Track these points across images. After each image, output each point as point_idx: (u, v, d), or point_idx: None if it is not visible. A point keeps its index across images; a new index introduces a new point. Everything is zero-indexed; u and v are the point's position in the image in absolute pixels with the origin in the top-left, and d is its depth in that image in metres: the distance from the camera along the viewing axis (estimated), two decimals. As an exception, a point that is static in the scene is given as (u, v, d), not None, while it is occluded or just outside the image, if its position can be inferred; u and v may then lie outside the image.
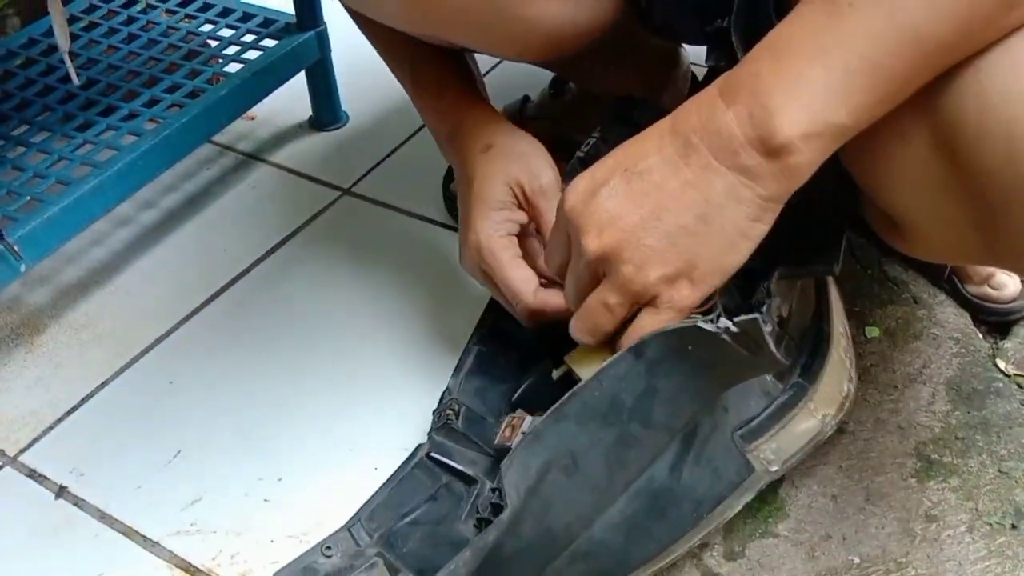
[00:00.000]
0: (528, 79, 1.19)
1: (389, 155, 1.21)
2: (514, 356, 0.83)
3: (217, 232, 1.12)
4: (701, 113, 0.59)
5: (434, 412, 0.80)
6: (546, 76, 1.15)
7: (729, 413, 0.73)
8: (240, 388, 0.94)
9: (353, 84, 1.27)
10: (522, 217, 0.81)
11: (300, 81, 1.22)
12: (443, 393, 0.81)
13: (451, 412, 0.78)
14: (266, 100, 1.16)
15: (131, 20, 1.23)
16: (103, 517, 0.84)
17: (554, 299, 0.75)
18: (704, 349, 0.63)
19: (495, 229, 0.79)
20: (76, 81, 1.03)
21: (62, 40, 0.97)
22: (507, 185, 0.80)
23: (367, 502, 0.75)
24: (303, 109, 1.28)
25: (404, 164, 1.20)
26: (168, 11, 1.25)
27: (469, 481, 0.76)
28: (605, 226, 0.61)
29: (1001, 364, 0.91)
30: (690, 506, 0.71)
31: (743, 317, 0.60)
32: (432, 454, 0.77)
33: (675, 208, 0.59)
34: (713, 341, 0.61)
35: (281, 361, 0.96)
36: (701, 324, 0.61)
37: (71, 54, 1.01)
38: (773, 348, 0.61)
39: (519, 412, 0.76)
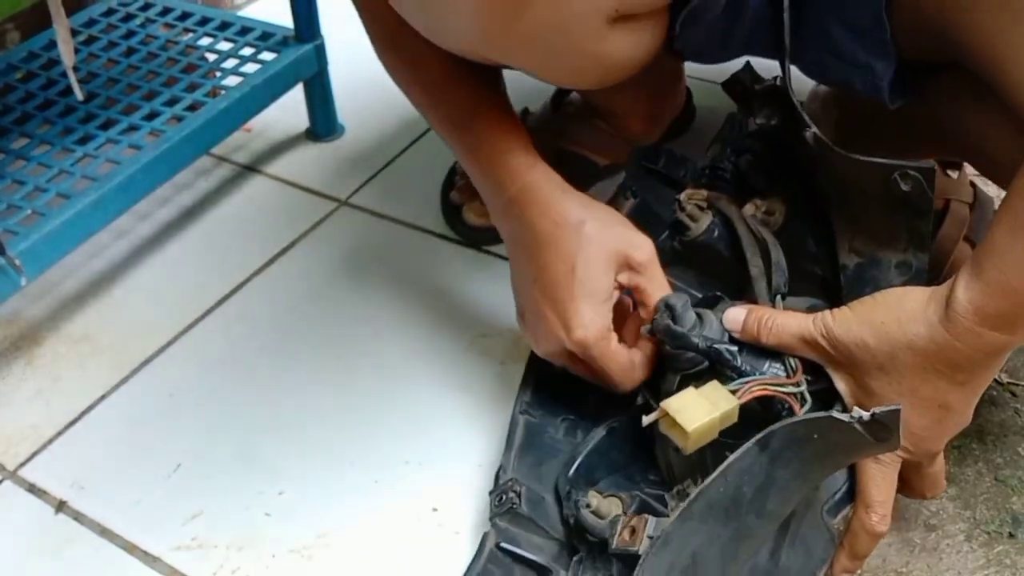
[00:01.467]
0: (528, 91, 1.19)
1: (386, 166, 1.22)
2: (562, 421, 0.83)
3: (215, 244, 1.12)
4: (973, 346, 0.64)
5: (491, 494, 0.77)
6: (547, 89, 1.16)
7: (820, 491, 0.72)
8: (240, 401, 0.94)
9: (350, 96, 1.27)
10: (617, 295, 0.78)
11: (297, 92, 1.22)
12: (497, 472, 0.80)
13: (514, 494, 0.76)
14: (263, 112, 1.16)
15: (130, 34, 1.23)
16: (103, 532, 0.84)
17: (642, 372, 0.76)
18: (831, 437, 0.62)
19: (601, 323, 0.76)
20: (80, 96, 1.03)
21: (67, 55, 0.97)
22: (611, 268, 0.77)
23: None
24: (300, 120, 1.28)
25: (401, 175, 1.21)
26: (167, 25, 1.25)
27: (541, 571, 0.75)
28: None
29: (996, 373, 0.92)
30: None
31: (884, 408, 0.59)
32: (502, 544, 0.75)
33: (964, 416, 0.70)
34: (844, 430, 0.60)
35: (281, 373, 0.97)
36: (835, 415, 0.60)
37: (73, 68, 1.01)
38: (902, 433, 0.61)
39: (638, 514, 0.72)
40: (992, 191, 1.12)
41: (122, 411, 0.94)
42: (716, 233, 0.83)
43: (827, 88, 1.11)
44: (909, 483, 0.74)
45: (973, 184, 1.04)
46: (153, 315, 1.04)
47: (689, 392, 0.68)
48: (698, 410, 0.66)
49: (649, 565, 0.64)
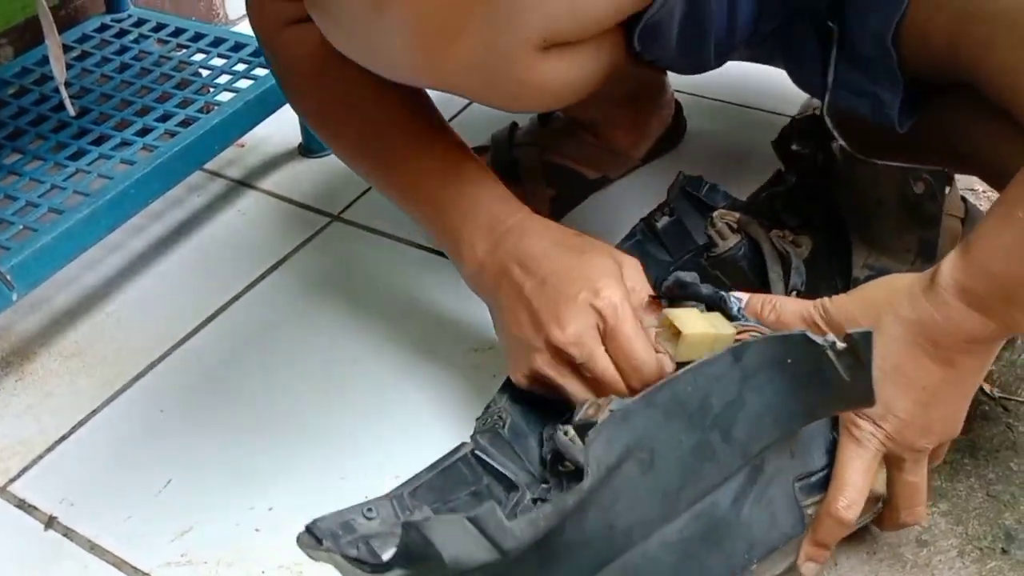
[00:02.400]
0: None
1: (379, 182, 1.22)
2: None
3: (207, 259, 1.12)
4: (951, 321, 0.67)
5: (478, 419, 0.79)
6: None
7: (794, 460, 0.72)
8: (231, 416, 0.94)
9: (343, 111, 1.27)
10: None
11: (289, 108, 1.21)
12: (489, 403, 0.81)
13: (499, 420, 0.77)
14: (256, 127, 1.17)
15: (123, 49, 1.24)
16: (93, 548, 0.84)
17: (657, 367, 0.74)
18: (803, 364, 0.62)
19: (627, 293, 0.75)
20: (72, 112, 1.04)
21: (58, 71, 0.97)
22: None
23: (409, 480, 0.74)
24: (293, 136, 1.28)
25: (394, 191, 1.21)
26: (160, 40, 1.26)
27: (510, 487, 0.75)
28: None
29: (986, 387, 0.92)
30: (744, 546, 0.70)
31: (856, 329, 0.59)
32: (476, 452, 0.76)
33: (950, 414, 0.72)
34: (816, 354, 0.61)
35: (272, 389, 0.96)
36: (809, 335, 0.61)
37: (66, 84, 1.01)
38: (873, 373, 0.61)
39: (603, 398, 0.73)
40: (984, 205, 1.12)
41: (113, 427, 0.94)
42: (742, 251, 0.86)
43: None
44: (889, 499, 0.74)
45: (964, 199, 1.05)
46: (145, 331, 1.04)
47: (693, 311, 0.72)
48: (697, 321, 0.70)
49: (606, 432, 0.62)
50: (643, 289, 0.77)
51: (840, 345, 0.60)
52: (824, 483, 0.72)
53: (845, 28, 0.83)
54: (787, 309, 0.74)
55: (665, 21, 0.80)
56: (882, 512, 0.75)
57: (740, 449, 0.67)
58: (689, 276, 0.76)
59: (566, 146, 1.15)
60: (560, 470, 0.72)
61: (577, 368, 0.75)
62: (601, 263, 0.76)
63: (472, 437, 0.77)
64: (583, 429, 0.70)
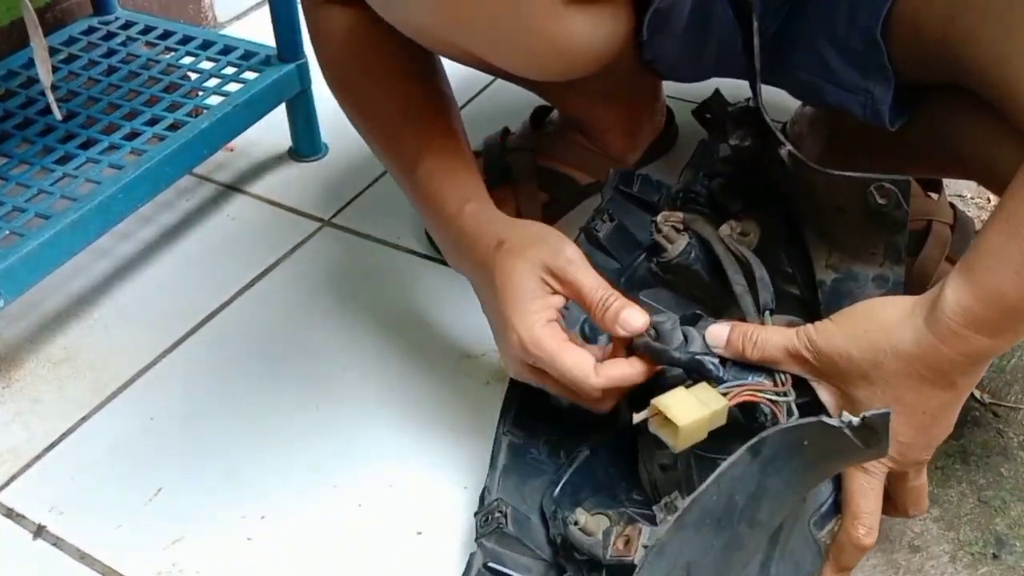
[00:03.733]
0: (508, 111, 1.19)
1: (369, 186, 1.22)
2: (544, 442, 0.83)
3: (196, 264, 1.12)
4: (958, 350, 0.64)
5: (477, 515, 0.77)
6: (526, 108, 1.16)
7: (807, 503, 0.72)
8: (222, 423, 0.93)
9: (332, 114, 1.25)
10: (559, 301, 0.75)
11: (280, 111, 1.22)
12: (482, 493, 0.79)
13: (500, 515, 0.75)
14: (246, 131, 1.16)
15: (111, 52, 1.23)
16: (83, 557, 0.83)
17: (619, 370, 0.72)
18: (821, 443, 0.62)
19: (535, 320, 0.73)
20: (58, 116, 1.03)
21: (44, 74, 0.96)
22: (534, 272, 0.75)
23: None
24: (283, 139, 1.28)
25: (384, 195, 1.20)
26: (148, 43, 1.25)
27: None
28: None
29: (976, 393, 0.92)
30: None
31: (874, 411, 0.59)
32: (490, 564, 0.74)
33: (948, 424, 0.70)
34: (834, 435, 0.61)
35: (263, 395, 0.96)
36: (826, 420, 0.60)
37: (52, 87, 1.00)
38: (889, 439, 0.61)
39: (631, 524, 0.71)
40: (973, 212, 1.13)
41: (102, 434, 0.93)
42: (693, 254, 0.83)
43: (812, 108, 1.12)
44: (892, 499, 0.74)
45: (953, 205, 1.05)
46: (134, 336, 1.03)
47: (679, 391, 0.68)
48: (689, 407, 0.66)
49: (645, 574, 0.63)
50: (580, 261, 0.75)
51: (856, 422, 0.59)
52: (834, 509, 0.72)
53: (836, 23, 0.82)
54: (770, 343, 0.70)
55: (676, 8, 0.81)
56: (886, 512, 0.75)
57: (765, 528, 0.67)
58: (666, 321, 0.72)
59: (559, 151, 1.14)
60: (576, 558, 0.72)
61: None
62: (517, 287, 0.75)
63: (477, 542, 0.75)
64: (618, 571, 0.69)
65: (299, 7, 1.02)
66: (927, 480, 0.74)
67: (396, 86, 0.89)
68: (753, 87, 0.79)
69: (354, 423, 0.93)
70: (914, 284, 1.01)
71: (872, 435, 0.60)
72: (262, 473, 0.89)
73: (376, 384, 0.96)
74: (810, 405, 0.70)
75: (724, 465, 0.62)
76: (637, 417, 0.68)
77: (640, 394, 0.76)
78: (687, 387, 0.69)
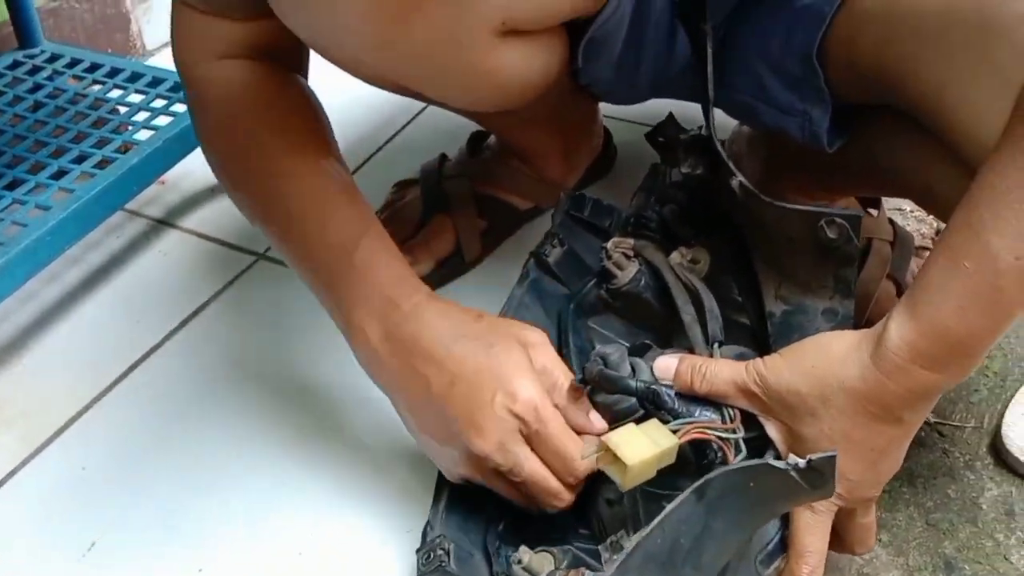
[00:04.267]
0: (445, 136, 1.18)
1: (306, 217, 1.19)
2: None
3: (127, 304, 1.09)
4: (904, 385, 0.64)
5: (419, 551, 0.74)
6: (463, 133, 1.15)
7: (752, 542, 0.71)
8: (158, 471, 0.90)
9: (267, 145, 1.24)
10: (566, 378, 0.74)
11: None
12: (424, 528, 0.77)
13: (443, 552, 0.73)
14: (176, 164, 1.13)
15: (37, 87, 1.20)
16: (13, 618, 0.80)
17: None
18: (767, 484, 0.62)
19: (545, 391, 0.72)
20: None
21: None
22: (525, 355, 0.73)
23: None
24: (215, 172, 1.25)
25: (322, 226, 1.18)
26: (75, 77, 1.22)
27: None
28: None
29: (922, 413, 0.92)
30: None
31: (820, 455, 0.59)
32: None
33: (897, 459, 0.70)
34: (780, 477, 0.60)
35: (200, 440, 0.93)
36: (772, 462, 0.60)
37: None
38: (837, 480, 0.61)
39: (575, 567, 0.71)
40: (913, 225, 1.13)
41: (32, 487, 0.90)
42: (643, 282, 0.82)
43: (750, 128, 1.12)
44: (840, 536, 0.74)
45: (892, 222, 1.05)
46: (64, 383, 0.99)
47: (629, 427, 0.67)
48: (638, 445, 0.65)
49: None
50: (555, 367, 0.74)
51: (803, 464, 0.59)
52: (780, 547, 0.71)
53: (772, 46, 0.83)
54: (719, 378, 0.69)
55: (611, 36, 0.80)
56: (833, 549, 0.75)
57: (710, 570, 0.66)
58: (613, 352, 0.72)
59: (497, 177, 1.13)
60: None
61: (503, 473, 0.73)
62: (510, 358, 0.72)
63: None
64: None
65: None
66: (875, 514, 0.74)
67: (290, 168, 0.82)
68: (706, 115, 0.79)
69: (295, 465, 0.90)
70: (856, 303, 1.01)
71: (818, 477, 0.59)
72: (200, 522, 0.86)
73: (317, 424, 0.94)
74: (759, 440, 0.70)
75: (669, 508, 0.61)
76: (585, 452, 0.68)
77: None
78: (637, 423, 0.68)
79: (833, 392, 0.65)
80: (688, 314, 0.77)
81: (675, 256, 0.83)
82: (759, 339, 0.79)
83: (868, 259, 1.02)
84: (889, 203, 1.10)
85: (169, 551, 0.84)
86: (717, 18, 0.82)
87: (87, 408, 0.97)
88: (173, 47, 0.87)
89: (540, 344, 0.75)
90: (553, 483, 0.72)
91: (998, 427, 0.90)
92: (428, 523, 0.78)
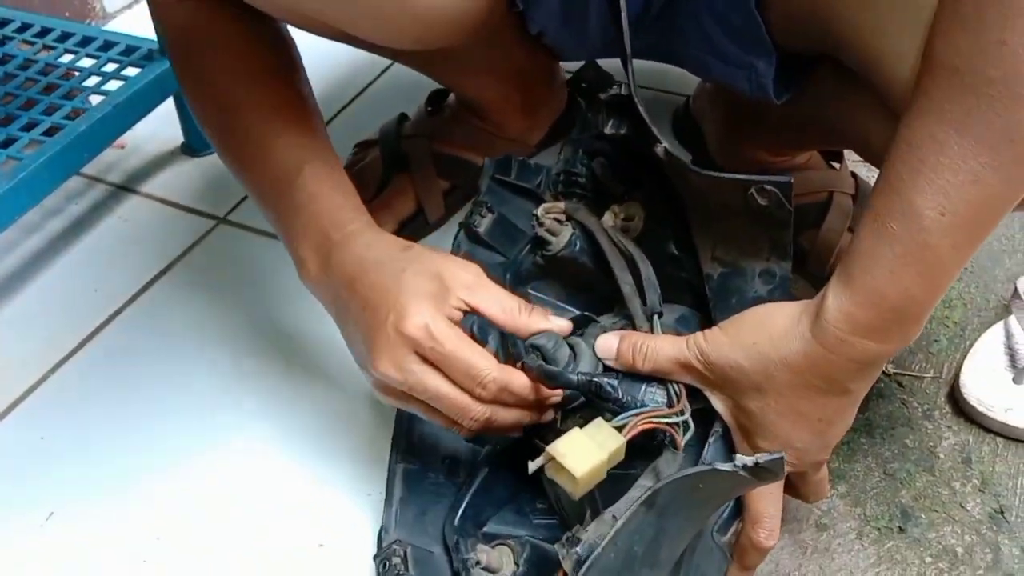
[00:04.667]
0: (407, 97, 1.16)
1: (266, 179, 1.18)
2: (443, 463, 0.80)
3: (87, 271, 1.08)
4: (847, 356, 0.63)
5: (375, 558, 0.73)
6: (421, 94, 1.13)
7: (710, 517, 0.71)
8: (116, 439, 0.90)
9: (225, 107, 1.23)
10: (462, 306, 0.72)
11: (171, 104, 1.17)
12: (379, 532, 0.76)
13: (399, 559, 0.72)
14: (136, 126, 1.12)
15: (-15, 53, 1.17)
16: (-28, 590, 0.80)
17: (515, 377, 0.69)
18: (716, 484, 0.61)
19: (439, 311, 0.69)
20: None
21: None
22: (432, 280, 0.71)
23: None
24: (175, 134, 1.23)
25: (282, 188, 1.17)
26: (25, 42, 1.19)
27: None
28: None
29: (882, 364, 0.92)
30: None
31: (767, 456, 0.58)
32: None
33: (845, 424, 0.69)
34: (728, 478, 0.60)
35: (160, 406, 0.93)
36: (719, 467, 0.59)
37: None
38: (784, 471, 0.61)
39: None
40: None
41: (-10, 458, 0.90)
42: (578, 246, 0.80)
43: (712, 85, 1.11)
44: (795, 489, 0.74)
45: (855, 174, 1.05)
46: (22, 353, 0.99)
47: (574, 434, 0.65)
48: (585, 453, 0.64)
49: None
50: (478, 284, 0.71)
51: (750, 464, 0.58)
52: (735, 512, 0.71)
53: (716, 0, 0.81)
54: (661, 355, 0.68)
55: None
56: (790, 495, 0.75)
57: (668, 563, 0.67)
58: (548, 341, 0.69)
59: (457, 135, 1.11)
60: None
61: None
62: (413, 282, 0.70)
63: None
64: None
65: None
66: (828, 469, 0.74)
67: (249, 91, 0.82)
68: (625, 71, 0.76)
69: (252, 433, 0.90)
70: (818, 256, 1.01)
71: (766, 473, 0.59)
72: (158, 492, 0.86)
73: (278, 393, 0.93)
74: (704, 411, 0.69)
75: (619, 523, 0.61)
76: (532, 465, 0.65)
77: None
78: (581, 426, 0.66)
79: (776, 368, 0.64)
80: (626, 283, 0.75)
81: (608, 217, 0.81)
82: (696, 293, 0.78)
83: (829, 212, 1.01)
84: (853, 155, 1.09)
85: (128, 520, 0.84)
86: None
87: (45, 377, 0.96)
88: None
89: (459, 271, 0.72)
90: (461, 398, 0.69)
91: (956, 377, 0.90)
92: (383, 527, 0.76)
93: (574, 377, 0.68)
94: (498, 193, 0.87)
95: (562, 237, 0.80)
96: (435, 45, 0.77)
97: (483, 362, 0.68)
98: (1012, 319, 0.93)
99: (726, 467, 0.59)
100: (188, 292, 1.04)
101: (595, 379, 0.68)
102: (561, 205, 0.81)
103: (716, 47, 0.83)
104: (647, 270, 0.75)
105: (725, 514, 0.71)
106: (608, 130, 0.80)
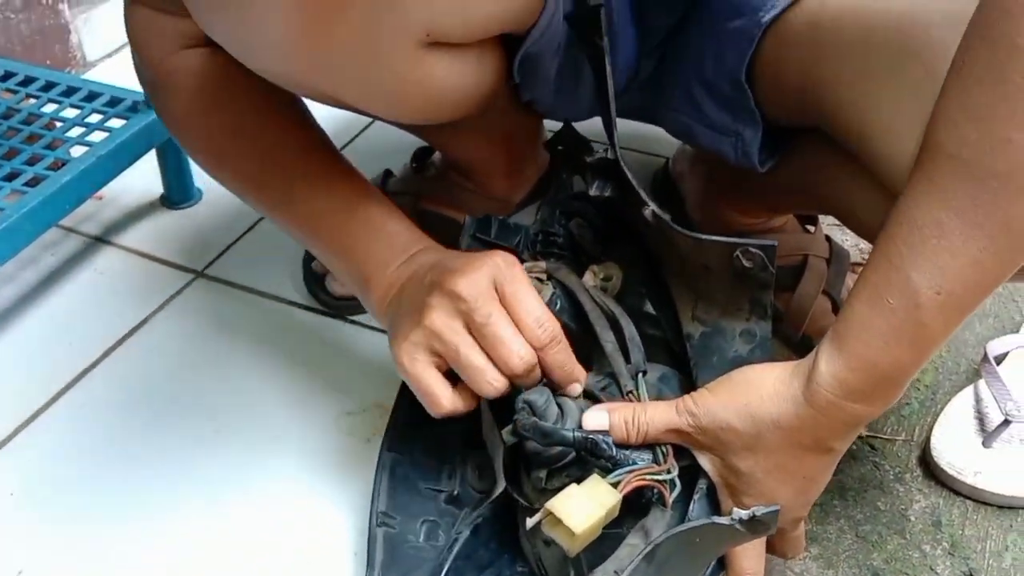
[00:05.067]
0: (390, 152, 1.18)
1: (245, 233, 1.18)
2: (421, 526, 0.80)
3: (62, 324, 1.07)
4: (836, 418, 0.65)
5: None
6: (408, 149, 1.14)
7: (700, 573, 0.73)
8: (88, 497, 0.89)
9: (206, 160, 1.23)
10: None
11: (151, 155, 1.18)
12: None
13: None
14: (112, 180, 1.12)
15: (-34, 103, 1.17)
16: (-62, 649, 0.79)
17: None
18: (712, 537, 0.63)
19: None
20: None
21: None
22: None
23: None
24: (154, 186, 1.24)
25: (260, 242, 1.17)
26: (8, 91, 1.20)
27: None
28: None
29: (855, 426, 0.93)
30: None
31: (764, 509, 0.61)
32: None
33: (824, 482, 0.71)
34: (725, 531, 0.62)
35: (132, 463, 0.92)
36: (718, 520, 0.62)
37: None
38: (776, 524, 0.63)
39: None
40: (851, 240, 1.15)
41: (-41, 513, 0.89)
42: (559, 305, 0.81)
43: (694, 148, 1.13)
44: (771, 545, 0.75)
45: (829, 238, 1.07)
46: (-7, 405, 0.98)
47: (572, 490, 0.67)
48: (583, 509, 0.65)
49: None
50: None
51: (746, 517, 0.61)
52: (718, 567, 0.72)
53: (705, 67, 0.83)
54: (654, 423, 0.69)
55: (545, 54, 0.80)
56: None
57: None
58: (539, 397, 0.71)
59: (442, 194, 1.13)
60: None
61: (471, 331, 0.72)
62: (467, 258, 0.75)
63: None
64: None
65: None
66: (804, 526, 0.75)
67: (281, 137, 0.85)
68: (610, 137, 0.78)
69: (229, 491, 0.90)
70: (791, 318, 1.02)
71: (760, 525, 0.61)
72: (130, 549, 0.85)
73: (253, 447, 0.93)
74: (690, 468, 0.70)
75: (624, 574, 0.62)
76: (530, 522, 0.66)
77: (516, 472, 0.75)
78: (578, 482, 0.67)
79: (767, 428, 0.66)
80: (609, 342, 0.76)
81: (588, 277, 0.82)
82: (674, 352, 0.79)
83: (804, 275, 1.03)
84: (827, 219, 1.11)
85: (99, 576, 0.83)
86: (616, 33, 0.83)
87: (15, 433, 0.95)
88: (134, 47, 0.86)
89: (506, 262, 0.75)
90: (514, 346, 0.71)
91: (927, 440, 0.91)
92: None
93: (570, 434, 0.69)
94: (477, 250, 0.87)
95: (543, 296, 0.80)
96: (442, 120, 0.80)
97: (541, 312, 0.72)
98: (982, 383, 0.94)
99: (723, 520, 0.61)
100: (163, 347, 1.04)
101: (591, 436, 0.69)
102: (542, 264, 0.82)
103: (703, 114, 0.85)
104: (630, 329, 0.76)
105: (708, 572, 0.72)
106: (593, 192, 0.82)
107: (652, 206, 0.74)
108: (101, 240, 1.19)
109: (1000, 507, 0.87)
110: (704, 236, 0.71)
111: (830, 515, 0.87)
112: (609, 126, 0.76)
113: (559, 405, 0.71)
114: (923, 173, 0.60)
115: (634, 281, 0.82)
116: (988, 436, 0.90)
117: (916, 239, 0.60)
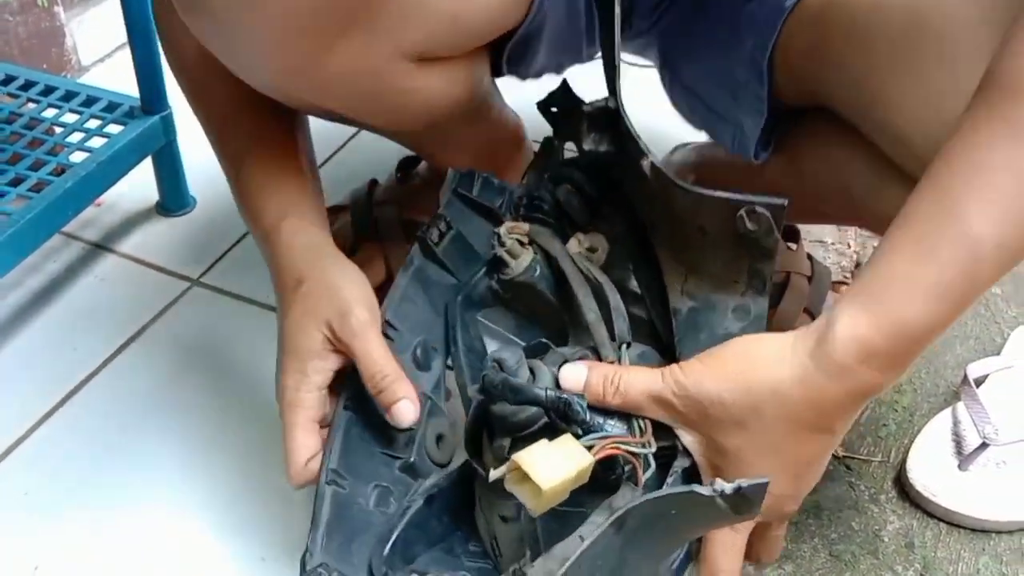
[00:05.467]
0: (376, 162, 1.19)
1: (240, 240, 1.20)
2: (373, 490, 0.74)
3: (65, 330, 1.09)
4: (845, 387, 0.61)
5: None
6: (392, 160, 1.16)
7: (667, 558, 0.69)
8: (98, 495, 0.92)
9: (200, 167, 1.23)
10: (334, 363, 0.76)
11: (147, 162, 1.20)
12: (303, 557, 0.69)
13: None
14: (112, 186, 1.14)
15: (-32, 108, 1.19)
16: (-47, 647, 0.81)
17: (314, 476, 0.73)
18: (689, 511, 0.58)
19: (301, 384, 0.75)
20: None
21: None
22: (318, 331, 0.75)
23: None
24: (150, 193, 1.25)
25: (255, 250, 1.18)
26: (10, 95, 1.21)
27: None
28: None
29: (831, 446, 0.96)
30: None
31: (750, 481, 0.55)
32: None
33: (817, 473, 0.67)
34: (704, 504, 0.56)
35: (138, 464, 0.95)
36: (697, 489, 0.55)
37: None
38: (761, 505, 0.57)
39: None
40: (833, 258, 1.17)
41: (-28, 514, 0.91)
42: (538, 272, 0.77)
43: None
44: (749, 546, 0.70)
45: (811, 257, 1.09)
46: (2, 411, 1.00)
47: (542, 445, 0.61)
48: (553, 465, 0.59)
49: None
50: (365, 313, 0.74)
51: (730, 490, 0.55)
52: (687, 559, 0.69)
53: (719, 51, 0.84)
54: (633, 387, 0.64)
55: (535, 34, 0.81)
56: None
57: None
58: (511, 356, 0.65)
59: (425, 203, 1.14)
60: None
61: None
62: (294, 336, 0.76)
63: None
64: None
65: (160, 57, 1.01)
66: (784, 529, 0.74)
67: (256, 124, 0.86)
68: (612, 85, 0.73)
69: (233, 496, 0.92)
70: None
71: (745, 502, 0.56)
72: (139, 546, 0.88)
73: (251, 455, 0.95)
74: (668, 450, 0.66)
75: (586, 544, 0.57)
76: (494, 474, 0.61)
77: (476, 436, 0.70)
78: (537, 436, 0.63)
79: (764, 400, 0.60)
80: (591, 311, 0.72)
81: (572, 244, 0.78)
82: (657, 333, 0.75)
83: (786, 293, 1.04)
84: (809, 236, 1.14)
85: (111, 574, 0.86)
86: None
87: (27, 435, 0.98)
88: (153, 9, 0.90)
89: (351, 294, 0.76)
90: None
91: (903, 462, 0.93)
92: (307, 549, 0.69)
93: (542, 392, 0.63)
94: (458, 209, 0.83)
95: (522, 260, 0.77)
96: (437, 122, 0.81)
97: (293, 456, 0.75)
98: (960, 405, 0.95)
99: (704, 490, 0.55)
100: (162, 354, 1.06)
101: (564, 396, 0.63)
102: (525, 227, 0.77)
103: (709, 94, 0.85)
104: (615, 299, 0.72)
105: (675, 564, 0.68)
106: (588, 145, 0.76)
107: (652, 156, 0.68)
108: (100, 247, 1.21)
109: (973, 530, 0.89)
110: (705, 191, 0.66)
111: (804, 533, 0.90)
112: (611, 71, 0.72)
113: (531, 368, 0.66)
114: (990, 110, 0.56)
115: (620, 256, 0.77)
116: (964, 459, 0.91)
117: (983, 183, 0.55)
